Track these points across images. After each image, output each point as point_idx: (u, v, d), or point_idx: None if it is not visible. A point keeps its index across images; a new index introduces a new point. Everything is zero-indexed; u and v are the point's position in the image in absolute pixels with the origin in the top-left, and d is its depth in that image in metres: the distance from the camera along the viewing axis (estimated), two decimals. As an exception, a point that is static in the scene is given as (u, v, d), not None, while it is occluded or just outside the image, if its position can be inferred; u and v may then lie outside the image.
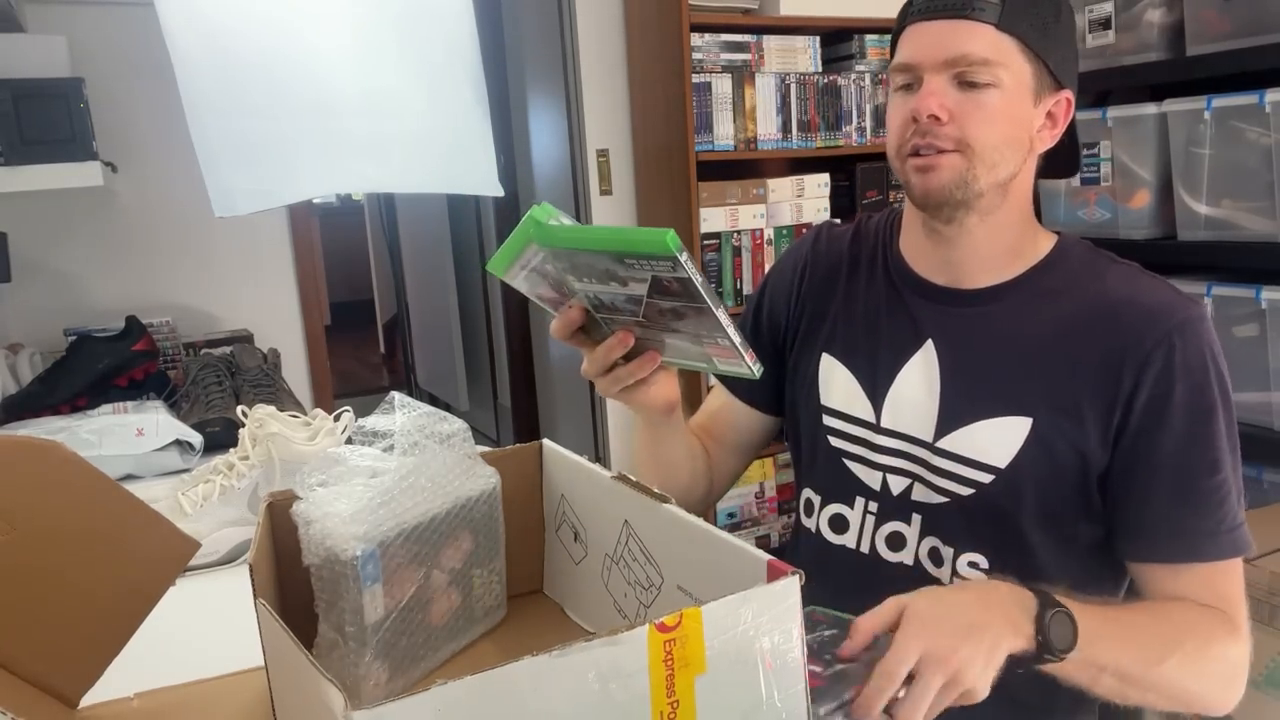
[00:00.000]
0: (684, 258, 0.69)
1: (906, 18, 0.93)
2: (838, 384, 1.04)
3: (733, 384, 1.15)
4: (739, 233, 2.61)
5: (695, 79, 2.46)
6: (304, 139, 1.58)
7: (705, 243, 2.55)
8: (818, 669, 0.71)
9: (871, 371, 1.02)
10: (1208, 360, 0.89)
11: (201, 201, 1.49)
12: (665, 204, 2.61)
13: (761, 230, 2.64)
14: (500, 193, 1.84)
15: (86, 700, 0.74)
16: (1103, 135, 2.13)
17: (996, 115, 0.89)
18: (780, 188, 2.66)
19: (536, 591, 0.95)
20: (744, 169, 2.67)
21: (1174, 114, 1.97)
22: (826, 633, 0.76)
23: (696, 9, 2.43)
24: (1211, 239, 1.96)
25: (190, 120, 1.47)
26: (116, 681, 0.75)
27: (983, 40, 0.88)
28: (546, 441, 0.92)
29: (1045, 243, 0.99)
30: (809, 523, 1.07)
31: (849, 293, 1.06)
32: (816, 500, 1.06)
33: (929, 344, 0.98)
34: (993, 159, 0.90)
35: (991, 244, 0.96)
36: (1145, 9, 2.05)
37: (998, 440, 0.93)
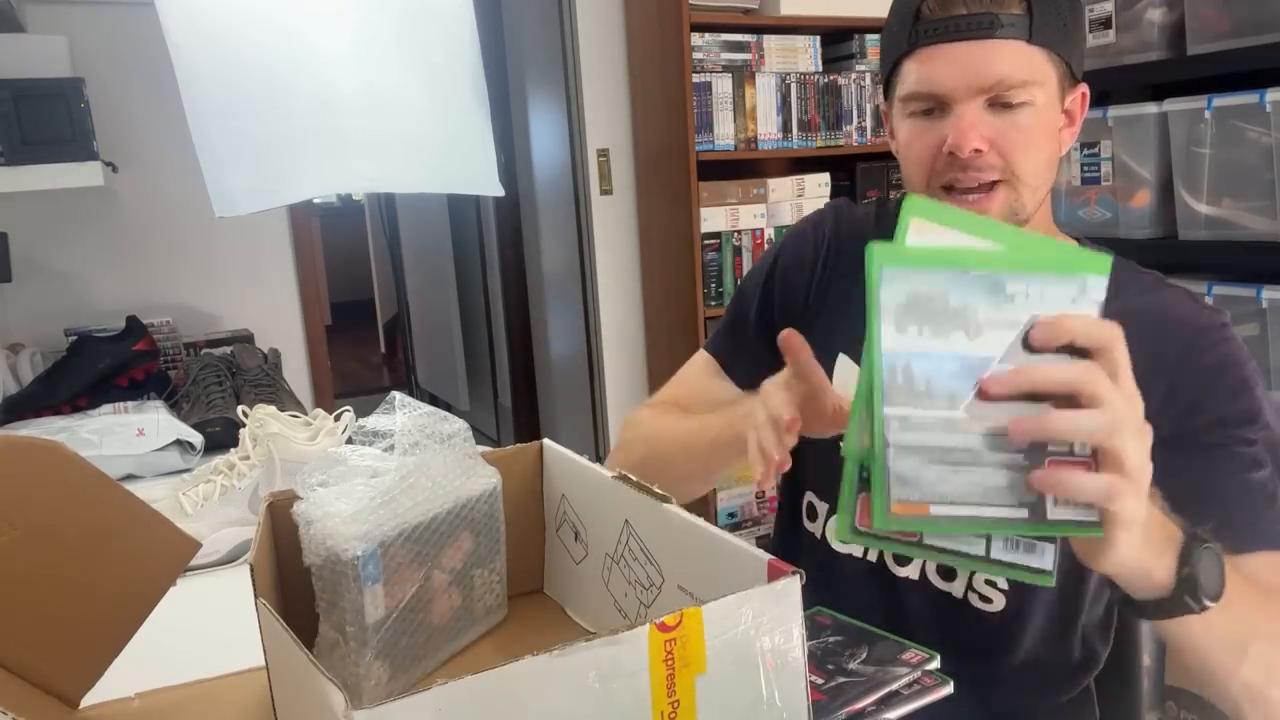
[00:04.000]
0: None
1: (916, 38, 0.85)
2: (852, 387, 0.99)
3: (730, 366, 1.06)
4: (739, 232, 2.61)
5: (696, 79, 2.46)
6: (304, 139, 1.58)
7: (706, 242, 2.55)
8: (819, 680, 0.70)
9: None
10: (1242, 361, 0.85)
11: (202, 201, 1.49)
12: (666, 204, 2.61)
13: (762, 230, 2.64)
14: (500, 192, 1.84)
15: (87, 700, 0.74)
16: (1103, 135, 2.13)
17: (1036, 136, 0.85)
18: (781, 187, 2.66)
19: (537, 591, 0.95)
20: (744, 169, 2.67)
21: (1174, 113, 1.97)
22: (831, 639, 0.75)
23: (697, 9, 2.43)
24: (1212, 238, 1.95)
25: (190, 120, 1.47)
26: (117, 681, 0.75)
27: (1017, 59, 0.82)
28: (547, 441, 0.92)
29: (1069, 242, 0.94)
30: (812, 528, 1.03)
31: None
32: (822, 507, 1.01)
33: None
34: (1036, 182, 0.86)
35: None
36: (1146, 8, 2.05)
37: None
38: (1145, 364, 0.86)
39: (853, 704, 0.68)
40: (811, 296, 1.03)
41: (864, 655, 0.74)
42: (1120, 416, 0.56)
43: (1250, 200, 1.88)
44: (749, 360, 1.04)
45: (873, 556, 0.98)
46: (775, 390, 0.77)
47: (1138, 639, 1.09)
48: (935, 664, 0.72)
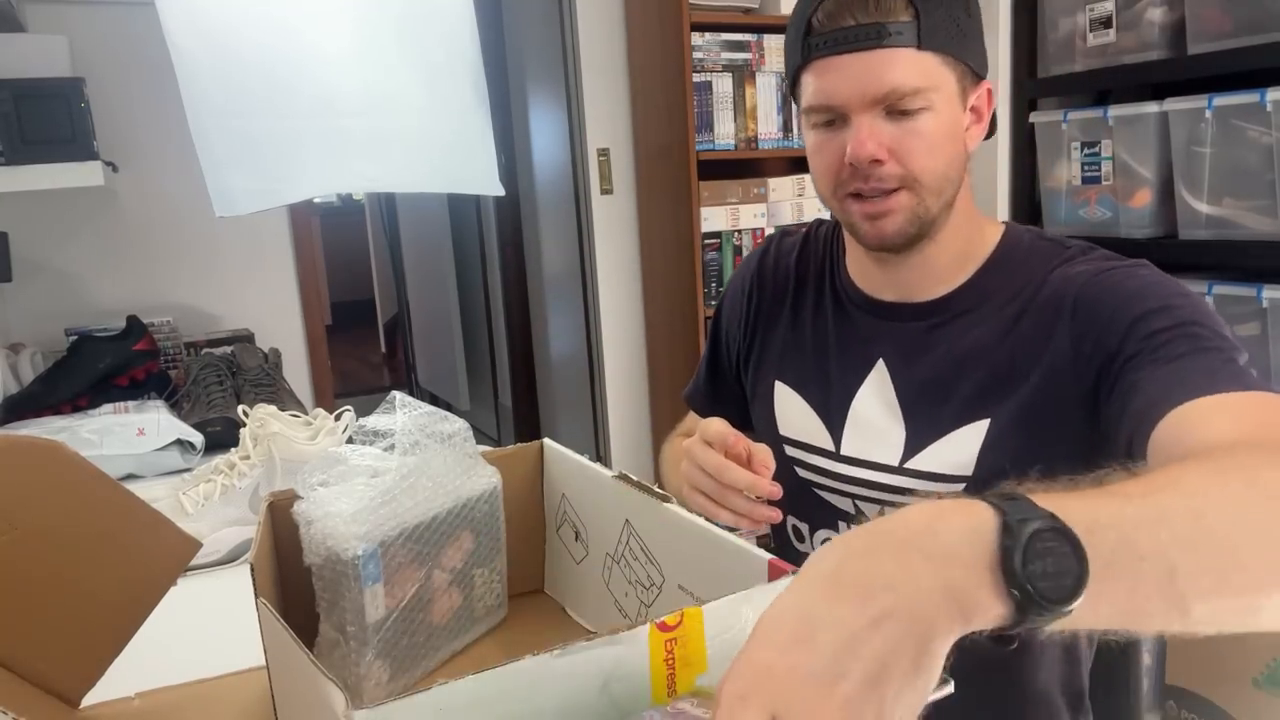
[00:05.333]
0: None
1: (810, 50, 0.85)
2: (794, 414, 1.01)
3: (707, 411, 1.12)
4: (740, 232, 2.61)
5: (696, 78, 2.45)
6: (305, 138, 1.58)
7: (706, 242, 2.55)
8: None
9: (825, 399, 0.98)
10: (1125, 277, 0.83)
11: (202, 201, 1.49)
12: (666, 203, 2.60)
13: (763, 230, 2.63)
14: (501, 192, 1.84)
15: (88, 700, 0.74)
16: (1104, 134, 2.13)
17: (936, 140, 0.85)
18: (781, 187, 2.66)
19: (537, 591, 0.95)
20: (745, 168, 2.67)
21: (1175, 113, 1.97)
22: None
23: (697, 8, 2.43)
24: (1213, 238, 1.95)
25: (191, 120, 1.47)
26: (118, 681, 0.75)
27: (907, 67, 0.82)
28: (547, 441, 0.92)
29: (992, 234, 0.94)
30: (803, 548, 1.04)
31: (796, 316, 1.03)
32: (804, 528, 1.03)
33: (880, 364, 0.94)
34: (940, 185, 0.86)
35: (941, 255, 0.92)
36: (1146, 7, 2.05)
37: (963, 449, 0.89)
38: (1053, 321, 0.84)
39: None
40: (748, 334, 1.08)
41: None
42: None
43: (1251, 200, 1.88)
44: (727, 403, 1.12)
45: None
46: (697, 447, 0.82)
47: (1138, 639, 1.09)
48: None
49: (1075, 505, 0.45)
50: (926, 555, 0.42)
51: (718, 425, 0.82)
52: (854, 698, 0.39)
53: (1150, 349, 0.77)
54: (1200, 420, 0.67)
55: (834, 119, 0.86)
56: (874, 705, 0.40)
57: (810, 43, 0.85)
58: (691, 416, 1.19)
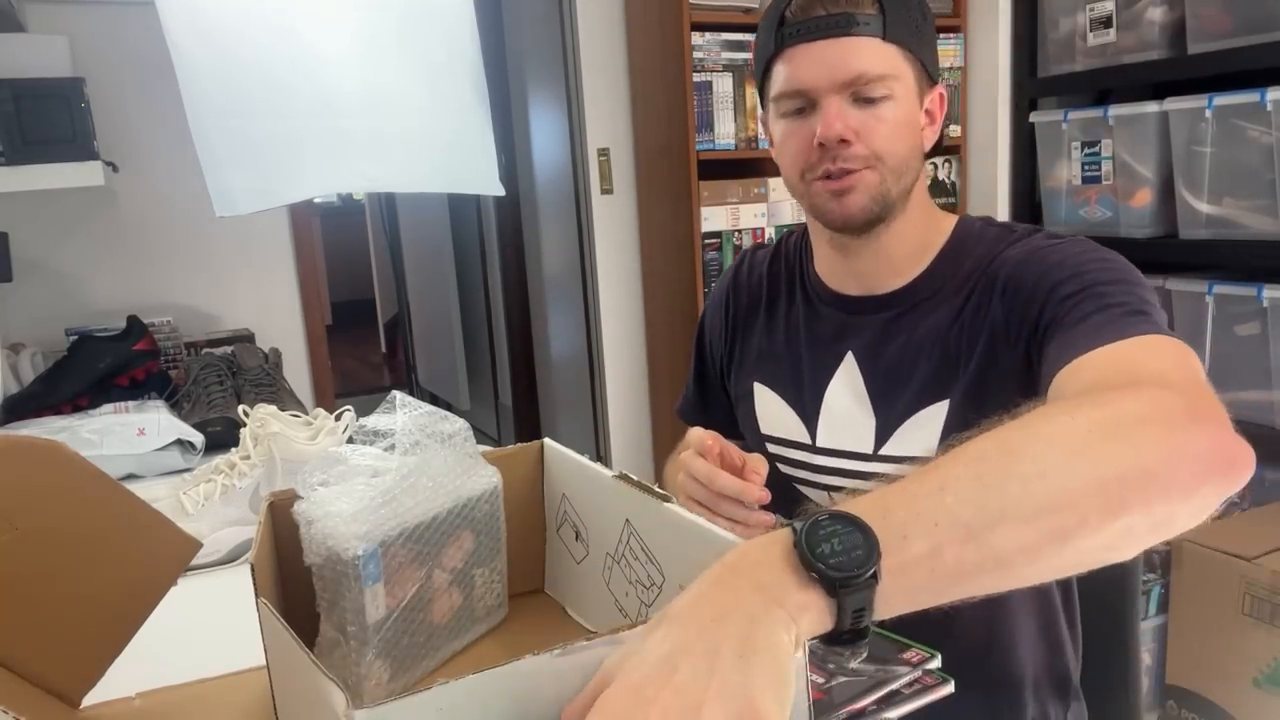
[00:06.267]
0: None
1: (781, 40, 0.91)
2: (772, 411, 1.06)
3: (699, 421, 1.16)
4: (740, 232, 2.61)
5: (696, 78, 2.46)
6: (305, 138, 1.58)
7: (706, 242, 2.55)
8: (819, 679, 0.70)
9: (800, 395, 1.03)
10: (1033, 246, 0.89)
11: (202, 201, 1.49)
12: (666, 203, 2.61)
13: (763, 229, 2.64)
14: (501, 192, 1.84)
15: (88, 700, 0.74)
16: (1104, 134, 2.13)
17: (898, 126, 0.91)
18: (781, 187, 2.64)
19: (538, 591, 0.96)
20: (745, 168, 2.67)
21: (1175, 112, 1.97)
22: None
23: (697, 8, 2.43)
24: (1213, 237, 1.95)
25: (191, 120, 1.47)
26: (118, 681, 0.75)
27: (873, 55, 0.88)
28: (548, 440, 0.92)
29: (946, 225, 0.99)
30: None
31: (770, 319, 1.08)
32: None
33: (849, 357, 0.99)
34: (900, 168, 0.92)
35: (898, 247, 0.97)
36: (1146, 7, 2.05)
37: (927, 431, 0.93)
38: (990, 297, 0.89)
39: (853, 703, 0.68)
40: (728, 342, 1.13)
41: (864, 654, 0.74)
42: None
43: (1251, 199, 1.88)
44: (718, 413, 1.17)
45: None
46: (692, 459, 0.86)
47: (1137, 638, 1.09)
48: (936, 663, 0.72)
49: (869, 498, 0.51)
50: (740, 574, 0.49)
51: (698, 433, 0.87)
52: (685, 684, 0.44)
53: (1062, 314, 0.81)
54: (1073, 375, 0.70)
55: (803, 106, 0.92)
56: (701, 686, 0.43)
57: (783, 33, 0.91)
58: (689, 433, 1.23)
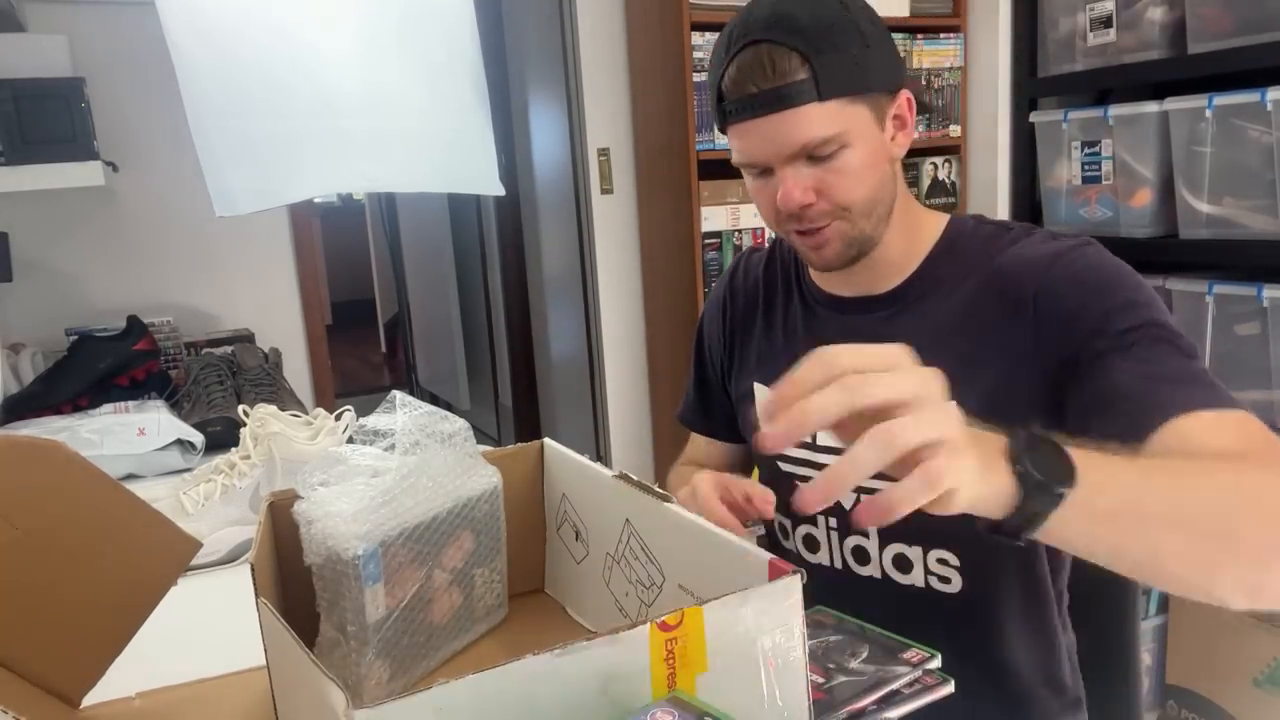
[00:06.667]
0: None
1: (724, 116, 0.92)
2: None
3: (698, 427, 1.21)
4: (740, 231, 2.61)
5: (696, 77, 2.45)
6: (305, 138, 1.58)
7: (706, 242, 2.55)
8: (820, 679, 0.70)
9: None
10: (1096, 268, 0.86)
11: (202, 201, 1.49)
12: (666, 203, 2.60)
13: (763, 229, 2.63)
14: (501, 192, 1.84)
15: (88, 700, 0.74)
16: (1104, 134, 2.13)
17: (859, 171, 0.90)
18: (781, 186, 2.66)
19: (538, 590, 0.96)
20: (745, 168, 2.67)
21: (1175, 112, 1.97)
22: (832, 638, 0.76)
23: (697, 7, 2.43)
24: (1213, 237, 1.95)
25: (191, 120, 1.47)
26: (118, 681, 0.75)
27: (813, 121, 0.87)
28: (548, 440, 0.92)
29: (936, 224, 0.99)
30: (788, 545, 1.09)
31: (768, 320, 1.09)
32: (788, 523, 1.08)
33: None
34: (869, 208, 0.93)
35: (887, 253, 0.98)
36: (1146, 7, 2.05)
37: None
38: (1007, 315, 0.90)
39: (854, 703, 0.68)
40: (726, 344, 1.14)
41: (865, 654, 0.74)
42: (919, 405, 0.55)
43: (1251, 199, 1.88)
44: (719, 416, 1.18)
45: (838, 563, 1.03)
46: (703, 488, 0.86)
47: (1137, 639, 1.09)
48: (936, 663, 0.72)
49: (1085, 449, 0.60)
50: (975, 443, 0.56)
51: (706, 485, 0.86)
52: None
53: (1122, 348, 0.81)
54: (1199, 434, 0.74)
55: (763, 170, 0.93)
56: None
57: (724, 108, 0.91)
58: (692, 442, 1.25)
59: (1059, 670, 1.00)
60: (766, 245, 1.16)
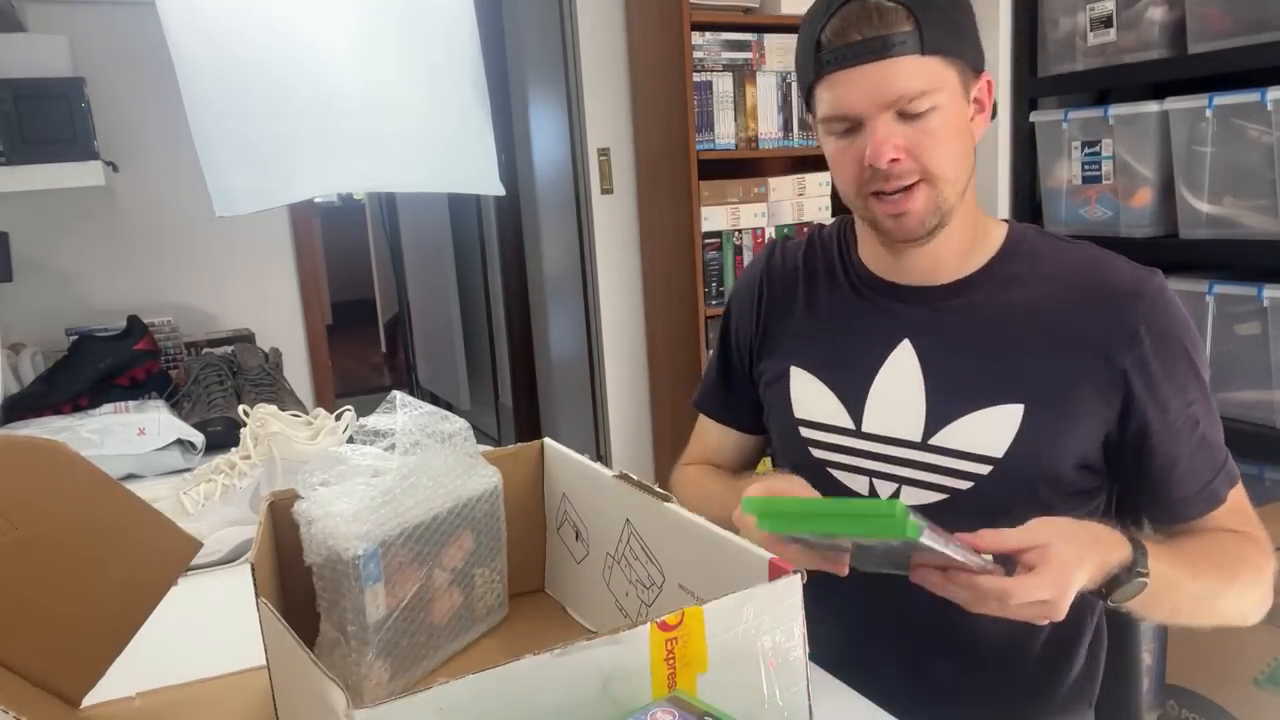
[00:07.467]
0: (925, 537, 0.66)
1: (821, 66, 0.91)
2: (811, 396, 1.04)
3: (717, 414, 1.18)
4: (740, 231, 2.61)
5: (696, 78, 2.45)
6: (305, 138, 1.58)
7: (706, 241, 2.55)
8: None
9: (845, 379, 1.02)
10: (1179, 325, 0.92)
11: (202, 201, 1.49)
12: (666, 203, 2.60)
13: (763, 229, 2.63)
14: (501, 191, 1.84)
15: (89, 699, 0.74)
16: (1104, 133, 2.13)
17: (946, 136, 0.91)
18: (781, 186, 2.66)
19: (538, 590, 0.96)
20: (745, 168, 2.67)
21: (1176, 112, 1.97)
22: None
23: (697, 7, 2.43)
24: (1213, 237, 1.95)
25: (191, 120, 1.47)
26: (119, 681, 0.75)
27: (913, 73, 0.88)
28: (548, 440, 0.92)
29: (998, 231, 1.00)
30: None
31: (810, 305, 1.07)
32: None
33: (905, 343, 0.99)
34: (953, 176, 0.92)
35: (952, 244, 0.97)
36: (1147, 7, 2.05)
37: (992, 430, 0.93)
38: (1095, 338, 0.91)
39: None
40: (756, 329, 1.12)
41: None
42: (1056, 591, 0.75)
43: (1251, 199, 1.88)
44: (740, 404, 1.15)
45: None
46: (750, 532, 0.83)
47: (1137, 639, 1.09)
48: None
49: (1164, 561, 0.83)
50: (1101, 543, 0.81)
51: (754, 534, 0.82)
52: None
53: (1187, 423, 0.92)
54: (1210, 526, 0.93)
55: (851, 126, 0.92)
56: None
57: (821, 58, 0.91)
58: (697, 435, 1.22)
59: (1087, 684, 1.02)
60: (803, 236, 1.14)
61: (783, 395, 1.06)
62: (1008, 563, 0.76)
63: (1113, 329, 0.91)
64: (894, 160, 0.89)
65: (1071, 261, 0.96)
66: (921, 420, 0.96)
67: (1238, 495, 0.94)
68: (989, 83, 0.96)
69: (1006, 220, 1.02)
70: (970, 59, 0.92)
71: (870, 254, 1.04)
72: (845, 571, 0.80)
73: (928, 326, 0.98)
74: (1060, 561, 0.74)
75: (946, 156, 0.91)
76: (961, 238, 0.97)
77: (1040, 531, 0.76)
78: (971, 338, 0.96)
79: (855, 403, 1.00)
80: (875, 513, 0.66)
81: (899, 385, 0.98)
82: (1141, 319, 0.90)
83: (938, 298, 0.98)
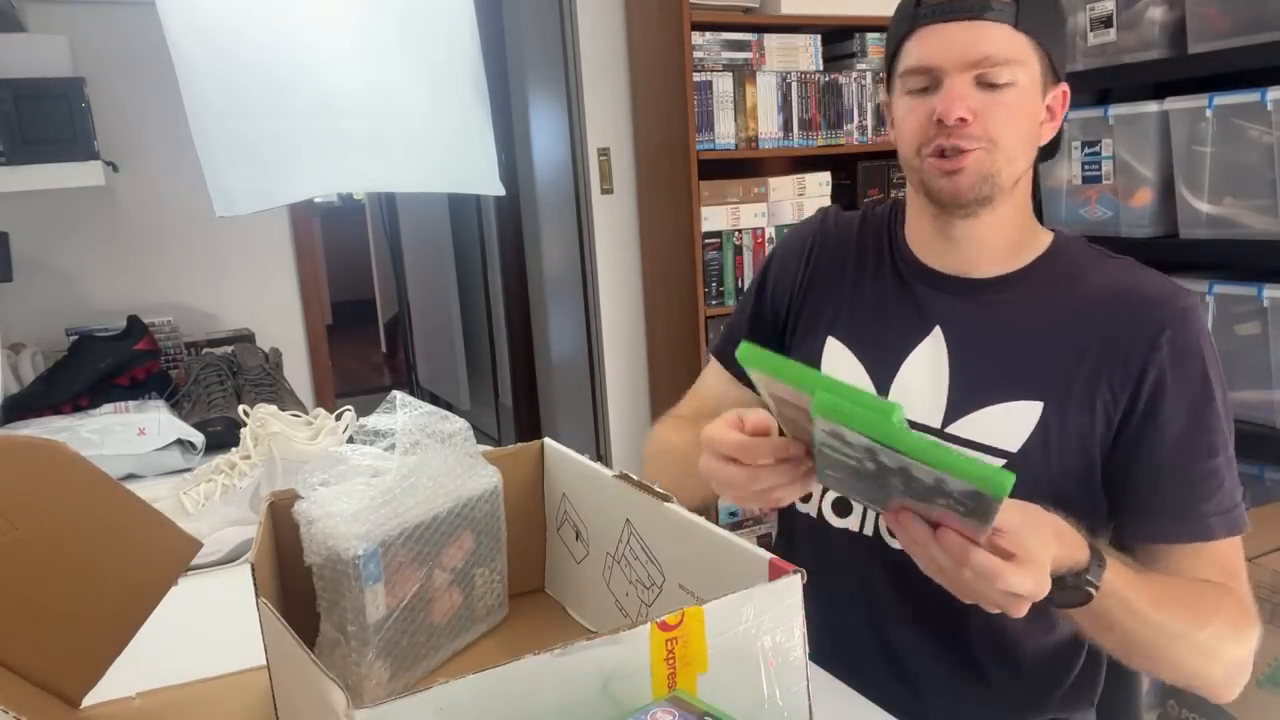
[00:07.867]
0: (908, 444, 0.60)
1: (916, 20, 0.94)
2: (842, 368, 1.04)
3: (734, 368, 1.14)
4: (740, 231, 2.61)
5: (696, 77, 2.46)
6: (305, 138, 1.58)
7: (706, 241, 2.55)
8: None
9: (877, 358, 1.02)
10: (1204, 347, 0.92)
11: (203, 201, 1.49)
12: (666, 203, 2.61)
13: (763, 229, 2.64)
14: (501, 192, 1.84)
15: (89, 699, 0.74)
16: (1104, 133, 2.13)
17: (1017, 113, 0.92)
18: (781, 186, 2.66)
19: (538, 590, 0.96)
20: (745, 168, 2.67)
21: (1176, 112, 1.97)
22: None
23: (697, 7, 2.43)
24: (1213, 237, 1.95)
25: (191, 120, 1.47)
26: (119, 681, 0.75)
27: (1002, 40, 0.90)
28: (548, 440, 0.92)
29: (1045, 238, 1.01)
30: (805, 508, 1.06)
31: (857, 280, 1.07)
32: (815, 488, 1.05)
33: (937, 331, 0.99)
34: (1013, 154, 0.93)
35: (997, 236, 0.98)
36: (1147, 6, 2.05)
37: (1009, 424, 0.93)
38: (1116, 342, 0.91)
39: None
40: (798, 289, 1.11)
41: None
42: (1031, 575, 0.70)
43: (1251, 199, 1.88)
44: None
45: (868, 529, 1.01)
46: (718, 429, 0.81)
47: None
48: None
49: (1124, 571, 0.82)
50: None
51: (723, 431, 0.80)
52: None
53: (1190, 442, 0.90)
54: (1208, 564, 0.91)
55: (928, 85, 0.94)
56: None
57: (919, 12, 0.94)
58: (695, 391, 1.19)
59: (1090, 681, 1.02)
60: (857, 211, 1.13)
61: (813, 362, 1.05)
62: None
63: (1136, 334, 0.91)
64: (962, 120, 0.90)
65: (1111, 273, 0.96)
66: (942, 408, 0.96)
67: (1232, 550, 0.91)
68: (1065, 94, 0.97)
69: (1054, 229, 1.02)
70: (1055, 59, 0.94)
71: (916, 237, 1.04)
72: (811, 487, 0.78)
73: (961, 317, 0.99)
74: (1037, 557, 0.70)
75: (1013, 132, 0.92)
76: (1009, 231, 0.98)
77: (1009, 515, 0.68)
78: (1001, 333, 0.96)
79: (882, 382, 1.01)
80: (871, 405, 0.60)
81: (925, 371, 0.98)
82: (1166, 327, 0.90)
83: (976, 290, 0.99)
